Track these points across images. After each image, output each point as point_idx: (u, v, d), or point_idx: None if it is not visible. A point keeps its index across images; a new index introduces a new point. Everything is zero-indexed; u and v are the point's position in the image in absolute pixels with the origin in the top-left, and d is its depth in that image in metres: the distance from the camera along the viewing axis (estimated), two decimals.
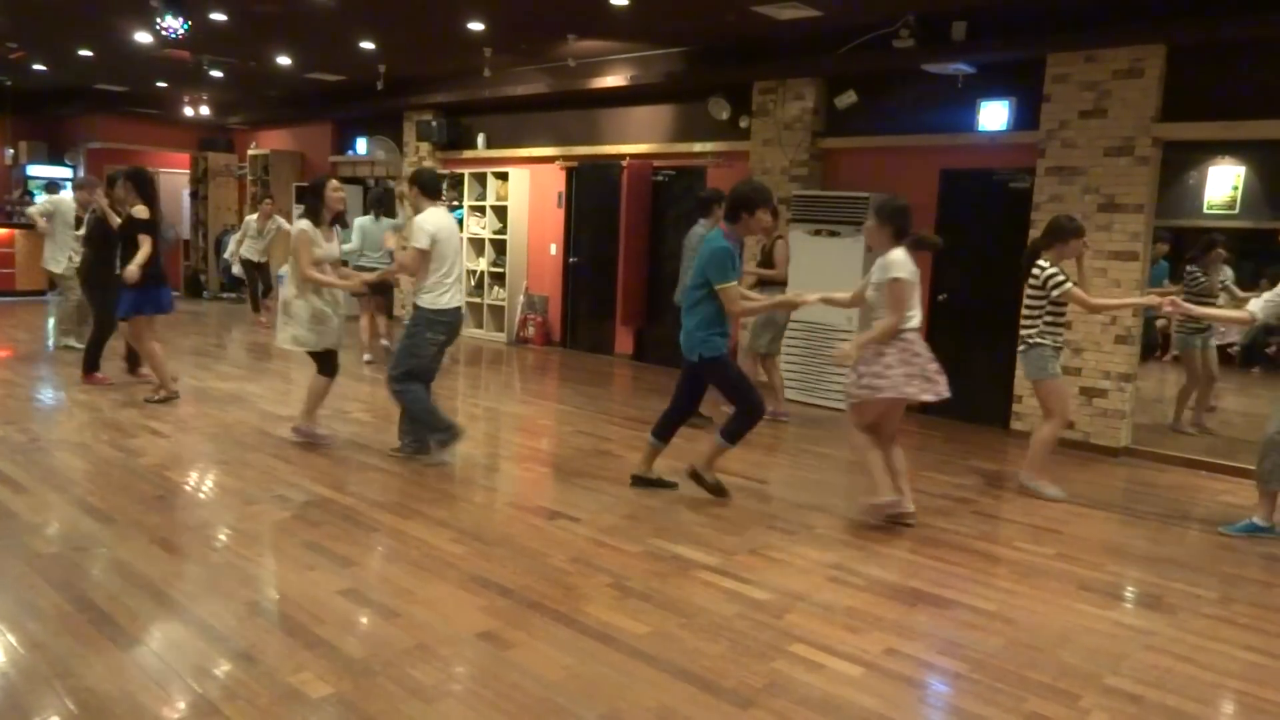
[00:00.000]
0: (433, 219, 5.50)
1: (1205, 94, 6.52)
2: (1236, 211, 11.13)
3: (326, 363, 5.95)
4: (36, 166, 15.20)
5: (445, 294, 5.52)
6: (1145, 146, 6.62)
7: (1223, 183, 11.35)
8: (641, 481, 5.39)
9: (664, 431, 5.32)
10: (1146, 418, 7.67)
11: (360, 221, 9.21)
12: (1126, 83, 6.66)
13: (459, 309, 5.64)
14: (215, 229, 15.31)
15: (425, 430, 5.69)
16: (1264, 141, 7.84)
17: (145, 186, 6.84)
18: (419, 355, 5.54)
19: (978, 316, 7.77)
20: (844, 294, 5.23)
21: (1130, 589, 4.28)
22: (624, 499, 5.18)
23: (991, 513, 5.37)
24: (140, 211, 6.73)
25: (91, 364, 7.55)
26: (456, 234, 5.67)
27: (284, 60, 10.81)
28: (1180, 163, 10.92)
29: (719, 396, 5.35)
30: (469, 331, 11.49)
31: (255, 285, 12.11)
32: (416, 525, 4.57)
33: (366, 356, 9.36)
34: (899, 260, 4.68)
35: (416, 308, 5.56)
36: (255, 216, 11.85)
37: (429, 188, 5.61)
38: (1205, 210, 11.35)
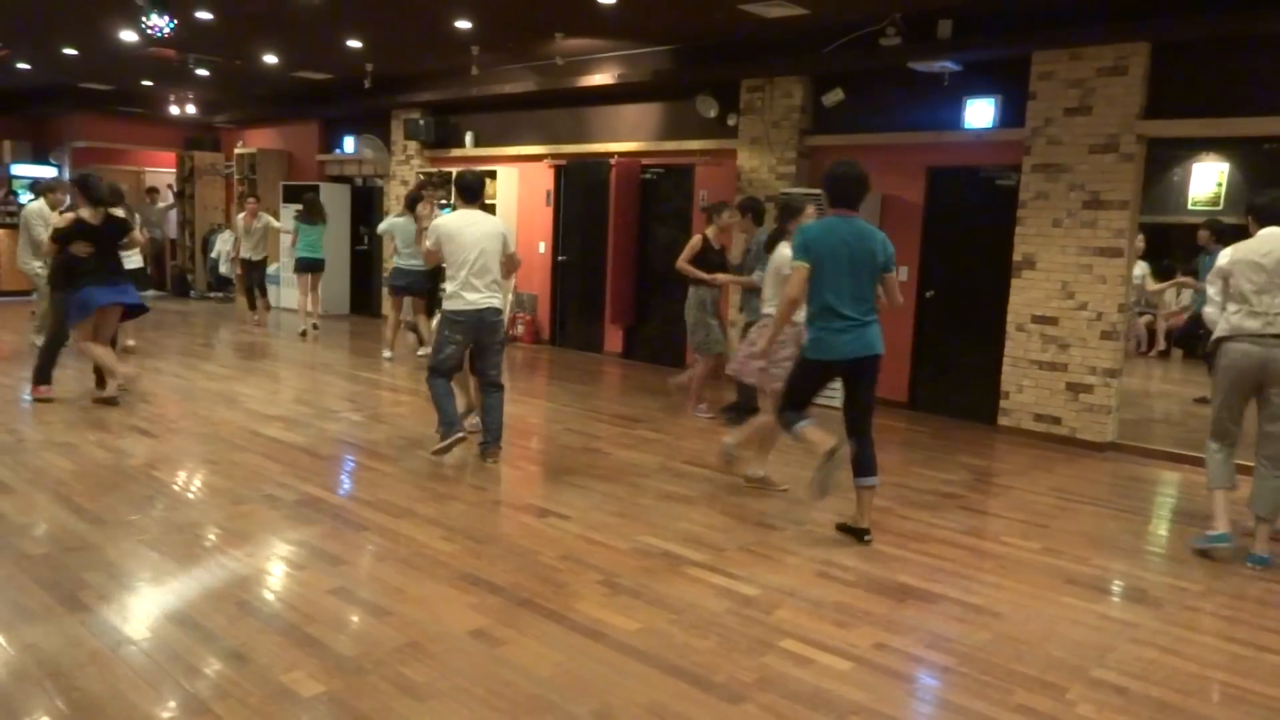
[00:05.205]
0: (445, 219, 5.68)
1: (1189, 91, 6.57)
2: (1221, 207, 11.20)
3: None
4: (21, 166, 15.11)
5: (458, 294, 5.54)
6: (1130, 143, 6.67)
7: (1207, 179, 11.43)
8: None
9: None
10: (1132, 413, 7.73)
11: (396, 220, 9.30)
12: (1111, 80, 6.70)
13: (474, 310, 5.53)
14: (202, 228, 15.24)
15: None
16: (1248, 138, 7.90)
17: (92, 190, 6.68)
18: (440, 352, 5.68)
19: (965, 313, 7.81)
20: None
21: (1115, 582, 4.32)
22: (613, 496, 5.19)
23: (979, 508, 5.40)
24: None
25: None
26: (467, 234, 5.52)
27: (270, 59, 10.76)
28: (1165, 159, 10.99)
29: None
30: None
31: (252, 286, 11.97)
32: (407, 524, 4.58)
33: (386, 354, 9.60)
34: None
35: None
36: (242, 215, 11.76)
37: (461, 190, 5.75)
38: (1189, 206, 11.42)
